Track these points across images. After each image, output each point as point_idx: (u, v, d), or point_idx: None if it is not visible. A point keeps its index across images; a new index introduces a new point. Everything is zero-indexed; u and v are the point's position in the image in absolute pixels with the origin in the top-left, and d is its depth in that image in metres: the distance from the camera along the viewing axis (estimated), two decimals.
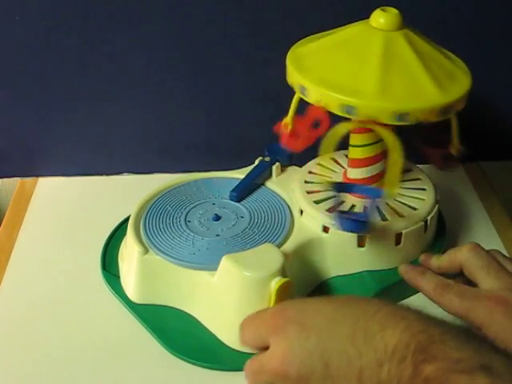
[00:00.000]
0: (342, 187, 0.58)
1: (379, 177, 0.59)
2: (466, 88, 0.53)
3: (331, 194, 0.61)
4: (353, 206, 0.59)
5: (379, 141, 0.57)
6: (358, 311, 0.40)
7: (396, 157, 0.52)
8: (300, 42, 0.59)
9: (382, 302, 0.41)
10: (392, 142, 0.52)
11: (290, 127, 0.57)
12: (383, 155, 0.58)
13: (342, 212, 0.57)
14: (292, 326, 0.41)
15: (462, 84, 0.54)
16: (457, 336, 0.37)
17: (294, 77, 0.54)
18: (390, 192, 0.54)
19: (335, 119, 0.53)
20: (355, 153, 0.59)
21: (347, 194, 0.60)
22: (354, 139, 0.58)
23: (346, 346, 0.38)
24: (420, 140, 0.57)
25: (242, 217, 0.61)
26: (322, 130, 0.55)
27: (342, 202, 0.59)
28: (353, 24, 0.56)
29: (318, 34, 0.59)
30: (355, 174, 0.60)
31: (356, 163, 0.59)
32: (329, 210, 0.58)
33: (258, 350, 0.44)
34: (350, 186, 0.59)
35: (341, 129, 0.52)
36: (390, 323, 0.38)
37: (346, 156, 0.63)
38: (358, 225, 0.54)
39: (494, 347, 0.37)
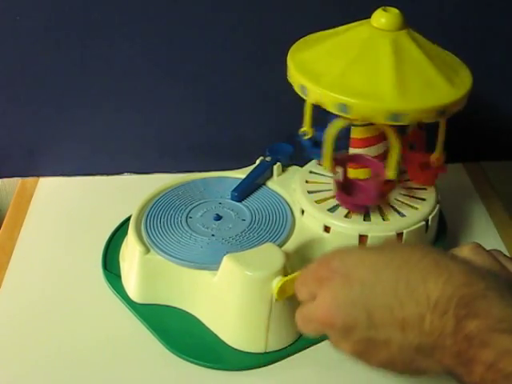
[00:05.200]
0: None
1: (381, 157, 0.59)
2: (470, 81, 0.54)
3: (332, 193, 0.61)
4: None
5: None
6: (400, 261, 0.40)
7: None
8: (299, 41, 0.58)
9: (426, 249, 0.41)
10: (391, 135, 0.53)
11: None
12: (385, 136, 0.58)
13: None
14: (336, 278, 0.42)
15: (466, 78, 0.55)
16: (501, 291, 0.37)
17: (328, 96, 0.52)
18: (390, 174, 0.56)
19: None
20: (357, 132, 0.58)
21: None
22: None
23: (388, 297, 0.39)
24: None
25: (243, 217, 0.61)
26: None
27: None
28: (354, 24, 0.56)
29: (317, 34, 0.58)
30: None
31: (357, 143, 0.59)
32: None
33: None
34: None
35: (337, 125, 0.53)
36: (433, 274, 0.38)
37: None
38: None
39: None
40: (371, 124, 0.56)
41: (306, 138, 0.58)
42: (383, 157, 0.59)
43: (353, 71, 0.52)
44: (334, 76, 0.52)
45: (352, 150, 0.59)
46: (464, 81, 0.54)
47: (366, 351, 0.41)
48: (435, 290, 0.38)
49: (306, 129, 0.58)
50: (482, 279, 0.38)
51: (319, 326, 0.43)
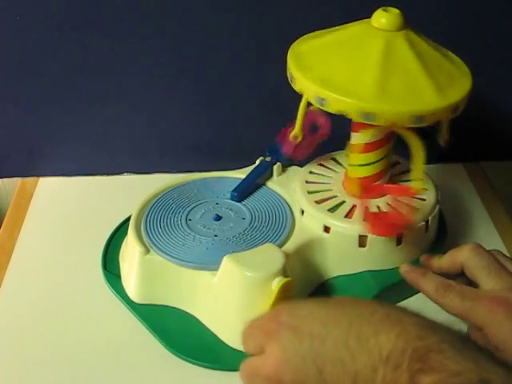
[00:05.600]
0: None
1: (382, 142, 0.58)
2: (466, 90, 0.53)
3: (332, 194, 0.61)
4: (353, 205, 0.60)
5: None
6: (351, 314, 0.40)
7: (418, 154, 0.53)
8: (299, 40, 0.58)
9: (377, 304, 0.41)
10: (414, 141, 0.52)
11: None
12: None
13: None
14: (285, 331, 0.40)
15: (461, 86, 0.53)
16: (455, 344, 0.36)
17: (309, 88, 0.53)
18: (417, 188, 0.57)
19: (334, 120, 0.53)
20: None
21: (348, 195, 0.61)
22: None
23: (339, 350, 0.38)
24: None
25: (243, 217, 0.61)
26: (321, 135, 0.56)
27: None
28: (354, 23, 0.56)
29: (316, 33, 0.58)
30: (357, 138, 0.59)
31: (358, 126, 0.58)
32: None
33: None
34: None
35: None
36: (385, 327, 0.38)
37: (347, 156, 0.63)
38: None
39: (493, 357, 0.36)
40: None
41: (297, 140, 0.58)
42: (382, 143, 0.58)
43: (339, 66, 0.53)
44: (321, 70, 0.53)
45: (353, 135, 0.59)
46: (457, 91, 0.53)
47: None
48: (387, 342, 0.37)
49: (297, 132, 0.57)
50: (436, 332, 0.37)
51: (266, 381, 0.41)
